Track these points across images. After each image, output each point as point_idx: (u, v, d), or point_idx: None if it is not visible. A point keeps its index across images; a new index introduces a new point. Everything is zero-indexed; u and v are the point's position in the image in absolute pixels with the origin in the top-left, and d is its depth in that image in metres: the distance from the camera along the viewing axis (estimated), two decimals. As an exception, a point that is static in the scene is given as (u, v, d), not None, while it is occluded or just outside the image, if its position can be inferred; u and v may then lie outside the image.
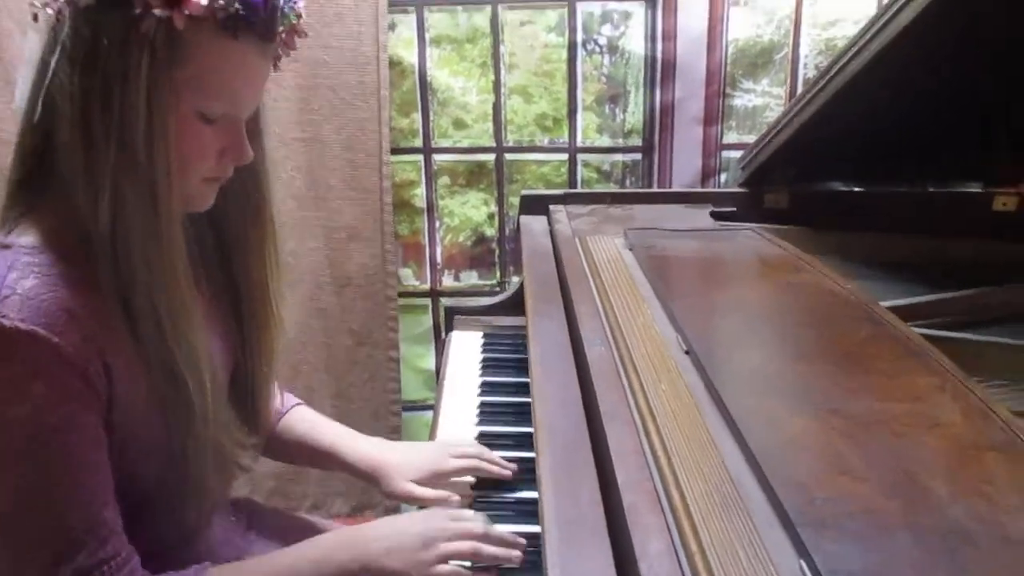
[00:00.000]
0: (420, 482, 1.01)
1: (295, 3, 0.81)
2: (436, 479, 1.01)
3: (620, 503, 0.66)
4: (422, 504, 1.00)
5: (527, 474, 1.00)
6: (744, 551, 0.58)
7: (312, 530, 1.12)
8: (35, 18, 0.78)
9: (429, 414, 1.84)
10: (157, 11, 0.71)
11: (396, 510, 1.71)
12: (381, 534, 0.86)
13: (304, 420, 1.11)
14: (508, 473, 1.02)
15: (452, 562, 0.84)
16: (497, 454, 1.11)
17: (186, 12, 0.72)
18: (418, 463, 1.02)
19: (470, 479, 1.03)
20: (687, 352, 0.91)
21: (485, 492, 1.01)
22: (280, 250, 0.97)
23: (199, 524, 0.94)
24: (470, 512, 0.88)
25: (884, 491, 0.62)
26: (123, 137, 0.73)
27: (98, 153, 0.74)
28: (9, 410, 0.72)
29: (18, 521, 0.76)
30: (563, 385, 0.93)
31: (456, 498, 0.99)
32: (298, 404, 1.13)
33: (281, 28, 0.80)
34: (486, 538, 0.85)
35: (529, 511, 0.94)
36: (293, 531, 1.11)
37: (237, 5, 0.74)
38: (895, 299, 1.22)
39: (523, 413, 1.18)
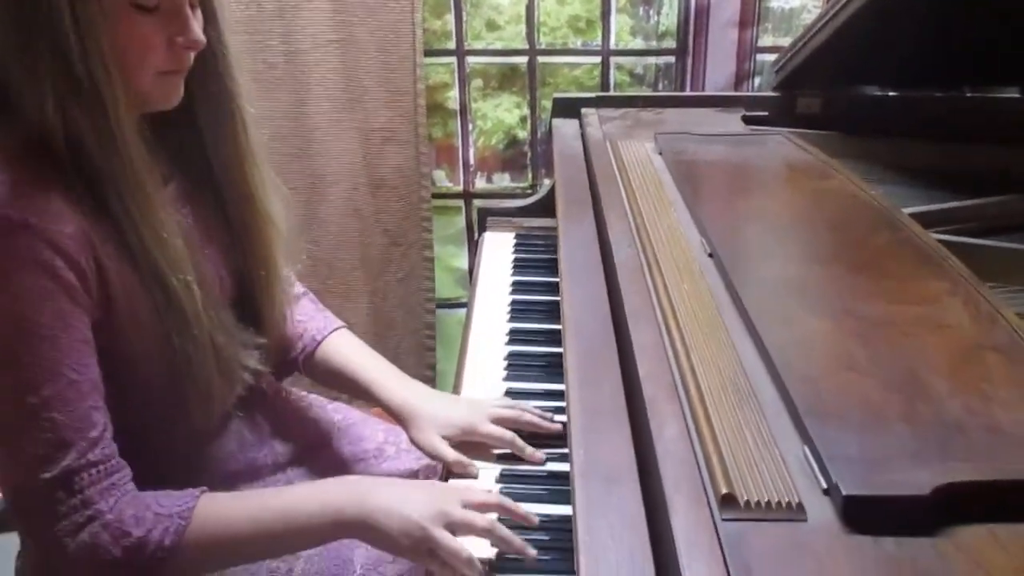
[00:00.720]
0: (449, 438, 0.96)
1: None
2: (466, 437, 0.96)
3: (640, 393, 0.71)
4: (443, 461, 0.96)
5: (557, 367, 1.05)
6: (752, 436, 0.63)
7: (337, 420, 1.15)
8: None
9: (462, 312, 1.90)
10: None
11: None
12: (386, 494, 0.81)
13: (343, 349, 1.08)
14: (540, 457, 0.94)
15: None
16: (524, 372, 1.15)
17: None
18: (452, 418, 0.97)
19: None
20: (710, 255, 0.94)
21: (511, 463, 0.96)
22: (255, 141, 0.93)
23: (207, 428, 0.94)
24: (482, 494, 0.83)
25: (887, 386, 0.67)
26: (54, 40, 0.72)
27: (33, 61, 0.73)
28: None
29: (4, 417, 0.76)
30: (590, 284, 0.98)
31: (475, 468, 0.94)
32: (338, 328, 1.11)
33: None
34: (489, 533, 0.79)
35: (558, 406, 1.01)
36: (320, 425, 1.13)
37: None
38: (923, 205, 1.24)
39: (553, 311, 1.23)
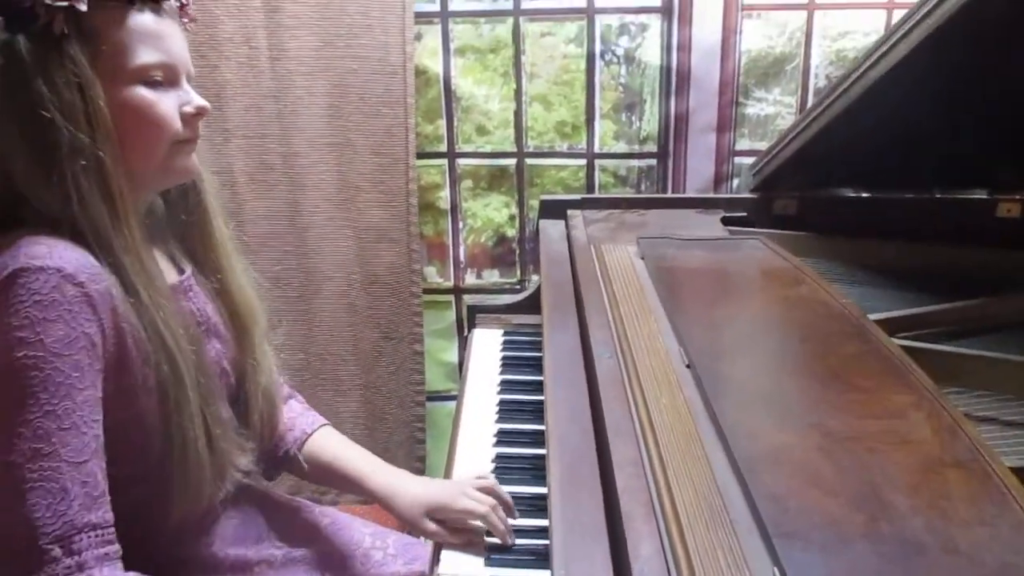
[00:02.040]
0: (429, 513, 1.02)
1: None
2: (444, 512, 1.01)
3: (619, 509, 0.75)
4: (431, 536, 1.02)
5: (543, 470, 1.07)
6: (724, 556, 0.67)
7: (325, 524, 1.17)
8: None
9: (451, 404, 1.93)
10: (60, 2, 0.79)
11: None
12: None
13: (331, 445, 1.14)
14: (509, 542, 0.98)
15: None
16: (513, 449, 1.19)
17: None
18: (431, 496, 1.03)
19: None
20: (688, 366, 0.99)
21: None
22: (223, 232, 1.02)
23: (193, 519, 0.97)
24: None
25: (851, 504, 0.70)
26: (72, 138, 0.80)
27: (57, 163, 0.81)
28: (26, 350, 0.76)
29: (16, 468, 0.76)
30: (573, 394, 1.02)
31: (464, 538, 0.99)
32: (324, 425, 1.17)
33: None
34: None
35: (541, 506, 1.03)
36: (308, 527, 1.16)
37: None
38: (894, 306, 1.29)
39: (540, 412, 1.26)
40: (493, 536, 0.98)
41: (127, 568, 0.83)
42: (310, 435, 1.14)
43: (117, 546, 0.81)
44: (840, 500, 0.71)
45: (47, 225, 0.82)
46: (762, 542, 0.68)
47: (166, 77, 0.86)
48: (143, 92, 0.85)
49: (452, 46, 1.80)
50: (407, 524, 1.05)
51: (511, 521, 1.00)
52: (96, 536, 0.79)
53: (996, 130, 1.48)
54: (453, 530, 1.00)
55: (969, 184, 1.71)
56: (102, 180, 0.82)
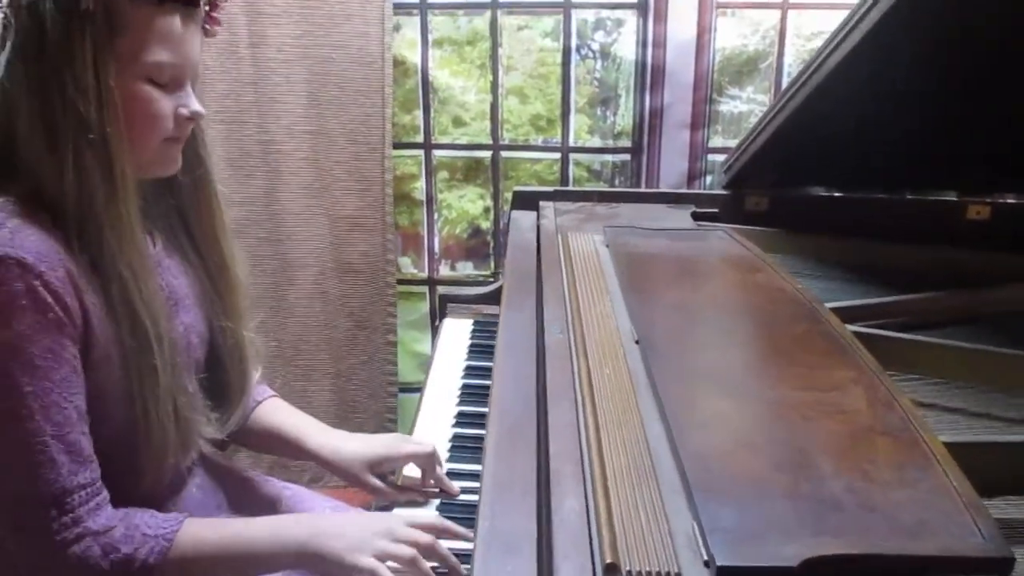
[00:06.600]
0: (372, 468, 1.06)
1: None
2: (386, 463, 1.07)
3: (548, 468, 0.75)
4: (375, 492, 1.06)
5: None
6: (645, 512, 0.67)
7: (286, 496, 1.18)
8: None
9: (424, 396, 1.93)
10: None
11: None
12: (336, 522, 0.92)
13: (275, 412, 1.15)
14: (456, 489, 1.06)
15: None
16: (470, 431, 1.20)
17: None
18: (372, 450, 1.07)
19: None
20: (637, 341, 0.99)
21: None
22: (226, 215, 1.05)
23: (156, 490, 0.99)
24: (430, 517, 0.91)
25: (776, 465, 0.71)
26: (79, 112, 0.82)
27: (60, 133, 0.83)
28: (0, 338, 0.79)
29: (9, 447, 0.82)
30: (521, 366, 1.02)
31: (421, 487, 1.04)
32: (272, 396, 1.18)
33: None
34: (430, 550, 0.89)
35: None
36: (268, 499, 1.17)
37: None
38: (855, 299, 1.29)
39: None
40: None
41: None
42: (254, 407, 1.14)
43: (105, 493, 0.87)
44: (767, 462, 0.72)
45: (29, 187, 0.84)
46: (686, 500, 0.69)
47: (172, 79, 0.88)
48: (147, 88, 0.86)
49: (430, 37, 1.81)
50: (350, 482, 1.07)
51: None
52: (86, 492, 0.84)
53: (969, 131, 1.48)
54: (397, 488, 1.05)
55: (942, 185, 1.72)
56: (106, 158, 0.84)
